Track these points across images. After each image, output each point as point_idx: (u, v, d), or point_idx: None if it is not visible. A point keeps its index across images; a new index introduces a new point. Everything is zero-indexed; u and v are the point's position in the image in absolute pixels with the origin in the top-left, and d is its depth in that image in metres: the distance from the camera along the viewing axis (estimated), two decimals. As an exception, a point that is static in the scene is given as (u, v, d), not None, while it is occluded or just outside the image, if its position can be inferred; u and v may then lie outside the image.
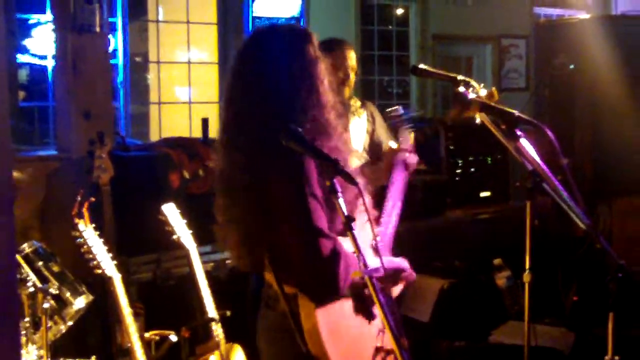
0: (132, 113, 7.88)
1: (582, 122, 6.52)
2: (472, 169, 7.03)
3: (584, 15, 6.90)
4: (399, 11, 10.06)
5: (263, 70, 2.78)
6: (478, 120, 3.31)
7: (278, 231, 2.66)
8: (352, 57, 4.68)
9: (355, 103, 4.85)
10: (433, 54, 9.95)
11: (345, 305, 2.78)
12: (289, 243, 2.64)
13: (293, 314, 2.72)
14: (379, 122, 4.91)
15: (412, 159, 3.68)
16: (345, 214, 2.50)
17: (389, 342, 2.92)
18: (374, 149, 4.77)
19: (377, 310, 2.96)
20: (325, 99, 2.80)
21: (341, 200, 2.52)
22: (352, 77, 4.68)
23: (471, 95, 3.30)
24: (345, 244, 2.65)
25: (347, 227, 2.50)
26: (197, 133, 7.29)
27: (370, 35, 9.68)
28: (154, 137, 7.93)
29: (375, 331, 2.90)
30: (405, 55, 10.07)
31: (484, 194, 7.09)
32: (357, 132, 4.74)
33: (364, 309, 2.85)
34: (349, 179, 2.54)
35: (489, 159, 7.11)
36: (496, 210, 7.03)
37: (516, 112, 3.14)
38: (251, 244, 2.76)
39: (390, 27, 10.02)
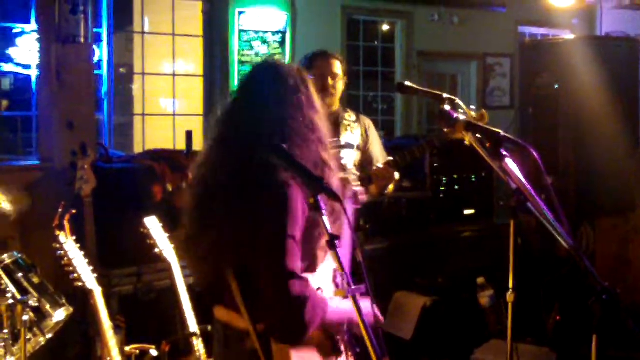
0: (116, 124, 7.86)
1: (566, 141, 6.52)
2: (456, 187, 7.03)
3: (568, 36, 6.92)
4: (385, 27, 10.08)
5: (252, 96, 2.84)
6: (467, 142, 3.30)
7: (250, 260, 2.65)
8: (334, 65, 4.66)
9: (350, 117, 4.80)
10: (418, 70, 9.99)
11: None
12: (259, 278, 2.63)
13: (265, 352, 2.68)
14: (373, 137, 4.86)
15: (362, 193, 3.70)
16: (330, 232, 2.49)
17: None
18: (365, 163, 4.74)
19: (359, 330, 2.96)
20: (315, 124, 2.81)
21: (325, 218, 2.51)
22: (338, 85, 4.67)
23: (456, 114, 3.29)
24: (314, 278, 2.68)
25: (331, 246, 2.49)
26: (181, 145, 7.28)
27: (356, 51, 9.70)
28: (137, 148, 7.91)
29: None
30: (390, 72, 10.10)
31: (468, 211, 7.10)
32: (349, 145, 4.71)
33: (329, 348, 2.85)
34: (333, 196, 2.54)
35: (473, 177, 7.12)
36: (479, 228, 7.04)
37: (501, 132, 3.13)
38: (217, 258, 2.74)
39: (375, 43, 10.05)
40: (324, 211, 2.52)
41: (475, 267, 6.29)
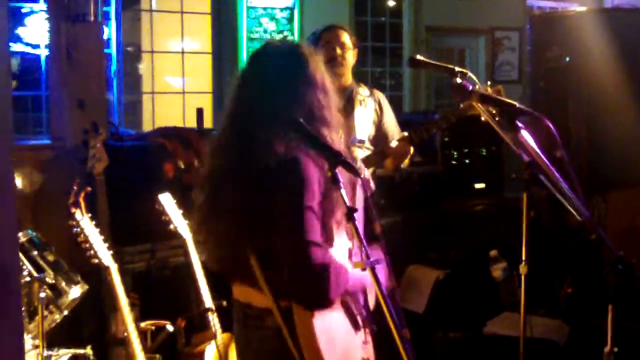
0: (125, 102, 7.87)
1: (577, 115, 6.50)
2: (467, 161, 7.04)
3: (579, 8, 6.89)
4: (392, 3, 10.04)
5: (268, 78, 2.84)
6: (483, 118, 3.30)
7: (269, 238, 2.66)
8: (340, 35, 4.65)
9: (364, 91, 4.79)
10: (426, 45, 9.95)
11: (335, 317, 2.79)
12: (280, 252, 2.64)
13: (289, 328, 2.70)
14: (387, 112, 4.84)
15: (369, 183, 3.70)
16: (348, 204, 2.51)
17: (371, 352, 3.00)
18: (380, 140, 4.73)
19: (375, 301, 2.99)
20: (324, 110, 2.82)
21: (343, 191, 2.52)
22: (347, 55, 4.65)
23: (471, 87, 3.30)
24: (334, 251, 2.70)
25: (349, 218, 2.51)
26: (191, 123, 7.29)
27: (364, 27, 9.67)
28: (146, 126, 7.92)
29: (360, 343, 2.93)
30: (398, 47, 10.07)
31: (479, 185, 7.10)
32: (363, 121, 4.69)
33: (352, 318, 2.89)
34: (351, 169, 2.55)
35: (484, 150, 7.12)
36: (490, 201, 7.04)
37: (516, 104, 3.14)
38: (235, 241, 2.75)
39: (383, 18, 10.01)
40: (341, 184, 2.54)
41: (487, 240, 6.28)
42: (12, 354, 1.86)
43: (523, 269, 3.57)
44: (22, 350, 2.05)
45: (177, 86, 8.41)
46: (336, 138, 2.82)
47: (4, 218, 1.92)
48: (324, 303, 2.67)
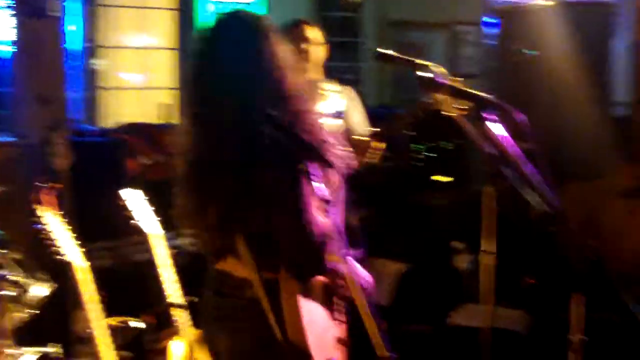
0: (84, 99, 7.79)
1: (539, 107, 6.56)
2: (433, 155, 7.09)
3: (542, 2, 6.96)
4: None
5: (232, 54, 2.73)
6: (449, 112, 3.30)
7: (261, 214, 2.63)
8: (304, 29, 4.64)
9: (333, 86, 4.77)
10: (388, 40, 9.98)
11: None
12: (277, 225, 2.61)
13: (272, 301, 2.68)
14: (354, 106, 4.85)
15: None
16: (320, 197, 2.51)
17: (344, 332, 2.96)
18: (349, 133, 4.72)
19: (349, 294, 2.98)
20: (295, 86, 2.78)
21: (315, 184, 2.52)
22: (312, 50, 4.63)
23: (442, 80, 3.30)
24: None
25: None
26: (151, 119, 7.24)
27: (327, 21, 9.67)
28: (105, 123, 7.83)
29: (335, 323, 2.91)
30: (360, 42, 10.09)
31: (444, 179, 7.16)
32: (332, 115, 4.68)
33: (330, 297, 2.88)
34: (326, 161, 2.56)
35: (449, 144, 7.17)
36: (456, 195, 7.09)
37: (488, 96, 3.15)
38: (228, 228, 2.72)
39: (345, 13, 10.02)
40: (314, 177, 2.53)
41: (453, 233, 6.33)
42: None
43: (485, 259, 3.60)
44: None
45: (139, 82, 8.34)
46: (312, 111, 2.79)
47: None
48: (318, 269, 2.67)
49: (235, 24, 2.83)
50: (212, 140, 2.70)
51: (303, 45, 4.58)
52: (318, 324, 2.76)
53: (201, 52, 2.82)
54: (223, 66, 2.73)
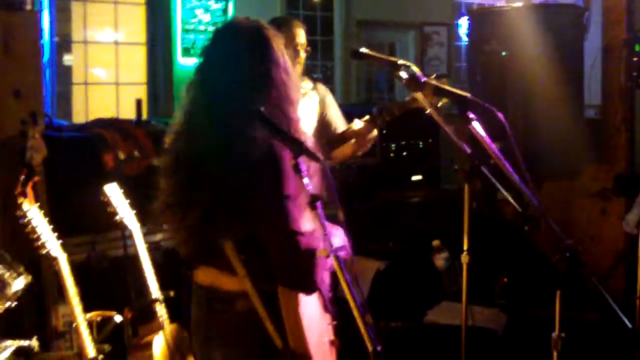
0: (57, 93, 7.78)
1: (514, 108, 6.63)
2: (404, 153, 7.14)
3: (515, 4, 7.04)
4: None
5: (219, 58, 2.82)
6: (427, 110, 3.34)
7: (249, 226, 2.68)
8: (300, 35, 4.62)
9: (307, 85, 4.82)
10: (357, 39, 10.03)
11: (309, 302, 2.82)
12: (266, 241, 2.67)
13: (271, 311, 2.72)
14: (330, 103, 4.87)
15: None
16: (311, 192, 2.54)
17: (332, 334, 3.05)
18: (323, 131, 4.75)
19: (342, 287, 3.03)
20: (288, 89, 2.82)
21: (306, 180, 2.55)
22: (302, 54, 4.64)
23: (424, 78, 3.35)
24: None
25: (312, 207, 2.54)
26: (124, 114, 7.23)
27: (297, 20, 9.69)
28: (77, 118, 7.83)
29: (326, 326, 2.98)
30: (329, 40, 10.14)
31: (416, 177, 7.22)
32: (306, 114, 4.70)
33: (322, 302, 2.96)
34: (313, 156, 2.59)
35: (421, 143, 7.23)
36: (427, 193, 7.16)
37: (469, 95, 3.19)
38: (210, 229, 2.75)
39: (314, 12, 10.06)
40: (304, 173, 2.57)
41: (424, 231, 6.39)
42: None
43: (465, 258, 3.66)
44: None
45: (111, 77, 8.33)
46: (298, 117, 2.84)
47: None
48: (311, 287, 2.71)
49: (233, 29, 2.93)
50: (194, 134, 2.75)
51: (297, 49, 4.59)
52: (315, 329, 2.82)
53: (202, 60, 2.88)
54: (217, 70, 2.79)
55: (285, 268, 2.67)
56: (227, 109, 2.72)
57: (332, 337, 3.01)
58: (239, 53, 2.79)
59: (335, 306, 3.04)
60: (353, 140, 4.57)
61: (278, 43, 2.86)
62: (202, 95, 2.80)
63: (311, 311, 2.83)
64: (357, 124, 4.56)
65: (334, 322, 3.04)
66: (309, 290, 2.73)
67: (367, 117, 4.58)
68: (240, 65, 2.77)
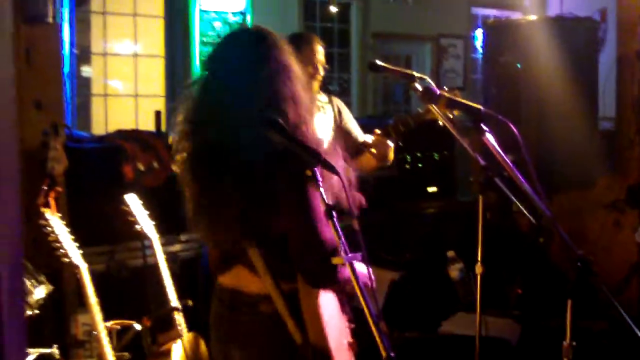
0: (76, 105, 7.85)
1: (528, 120, 6.65)
2: (420, 165, 7.19)
3: (529, 17, 7.07)
4: (334, 9, 10.09)
5: (239, 64, 2.82)
6: (441, 123, 3.39)
7: (272, 224, 2.72)
8: (320, 52, 4.65)
9: (323, 98, 4.85)
10: (373, 51, 10.08)
11: (328, 301, 2.86)
12: (291, 235, 2.71)
13: (292, 310, 2.77)
14: (346, 116, 4.92)
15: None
16: (327, 202, 2.58)
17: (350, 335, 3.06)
18: (343, 141, 4.76)
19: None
20: (299, 96, 2.85)
21: (322, 190, 2.60)
22: (321, 71, 4.67)
23: (439, 91, 3.40)
24: None
25: (329, 216, 2.58)
26: (143, 126, 7.29)
27: (312, 32, 9.75)
28: (96, 129, 7.90)
29: (344, 327, 3.01)
30: (346, 53, 10.18)
31: (431, 189, 7.26)
32: (323, 127, 4.74)
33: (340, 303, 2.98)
34: (330, 167, 2.61)
35: (436, 155, 7.27)
36: (443, 204, 7.20)
37: (482, 108, 3.23)
38: (237, 234, 2.79)
39: (331, 24, 10.12)
40: (320, 183, 2.61)
41: (439, 242, 6.42)
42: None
43: (479, 269, 3.70)
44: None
45: (129, 89, 8.41)
46: (312, 121, 2.86)
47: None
48: (333, 279, 2.75)
49: (244, 37, 2.96)
50: (218, 148, 2.77)
51: (317, 66, 4.63)
52: (335, 327, 2.86)
53: (210, 63, 2.91)
54: (230, 76, 2.81)
55: (308, 263, 2.72)
56: (238, 116, 2.74)
57: (350, 340, 3.04)
58: (245, 60, 2.80)
59: (352, 313, 3.08)
60: (373, 150, 4.59)
61: (286, 48, 2.87)
62: (215, 100, 2.81)
63: (331, 310, 2.87)
64: (374, 134, 4.60)
65: (352, 325, 3.07)
66: (329, 284, 2.79)
67: (382, 128, 4.61)
68: (247, 72, 2.78)
